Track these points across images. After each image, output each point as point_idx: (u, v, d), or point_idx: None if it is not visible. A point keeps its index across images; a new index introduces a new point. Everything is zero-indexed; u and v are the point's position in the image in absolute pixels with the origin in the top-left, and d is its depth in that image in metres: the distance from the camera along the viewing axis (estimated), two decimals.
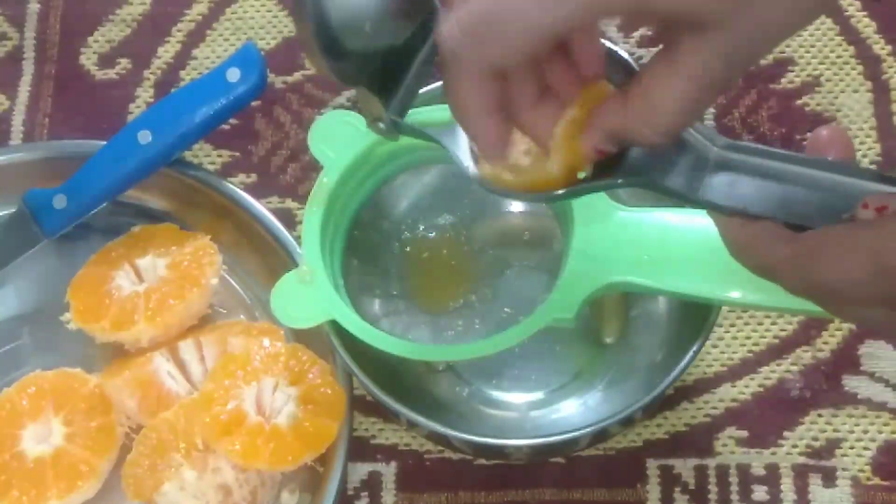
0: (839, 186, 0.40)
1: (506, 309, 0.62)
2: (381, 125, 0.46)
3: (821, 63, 0.70)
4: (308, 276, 0.55)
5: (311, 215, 0.56)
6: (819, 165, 0.41)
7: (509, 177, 0.44)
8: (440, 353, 0.60)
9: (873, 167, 0.67)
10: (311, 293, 0.55)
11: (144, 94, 0.72)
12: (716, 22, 0.37)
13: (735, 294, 0.53)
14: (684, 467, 0.61)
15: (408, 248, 0.63)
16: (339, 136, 0.58)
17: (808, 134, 0.68)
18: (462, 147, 0.46)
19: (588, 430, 0.55)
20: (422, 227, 0.63)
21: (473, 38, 0.38)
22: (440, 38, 0.39)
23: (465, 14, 0.38)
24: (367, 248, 0.62)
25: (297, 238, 0.64)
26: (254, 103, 0.68)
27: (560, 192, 0.43)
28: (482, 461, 0.62)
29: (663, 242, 0.54)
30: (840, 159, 0.41)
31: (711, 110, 0.69)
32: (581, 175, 0.43)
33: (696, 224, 0.53)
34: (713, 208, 0.42)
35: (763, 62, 0.70)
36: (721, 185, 0.42)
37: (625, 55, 0.45)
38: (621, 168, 0.43)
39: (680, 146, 0.42)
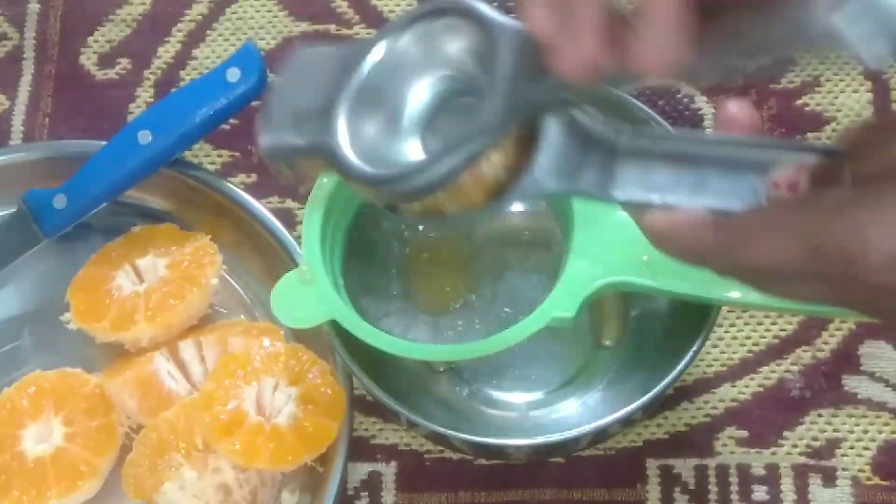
0: (753, 162, 0.39)
1: (506, 309, 0.62)
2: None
3: (821, 63, 0.70)
4: (308, 276, 0.55)
5: (312, 215, 0.56)
6: (730, 142, 0.40)
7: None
8: (440, 352, 0.60)
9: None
10: (311, 293, 0.55)
11: (144, 94, 0.72)
12: None
13: (734, 294, 0.53)
14: (684, 467, 0.61)
15: (408, 249, 0.63)
16: None
17: (809, 134, 0.68)
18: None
19: (588, 429, 0.55)
20: (422, 228, 0.63)
21: None
22: None
23: None
24: (367, 249, 0.62)
25: (297, 238, 0.64)
26: (254, 103, 0.68)
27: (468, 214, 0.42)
28: (482, 461, 0.62)
29: None
30: (750, 135, 0.40)
31: (711, 111, 0.69)
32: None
33: None
34: (629, 204, 0.42)
35: (763, 62, 0.70)
36: (633, 177, 0.41)
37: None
38: (524, 185, 0.41)
39: (586, 143, 0.41)
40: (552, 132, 0.41)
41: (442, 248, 0.63)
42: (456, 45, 0.41)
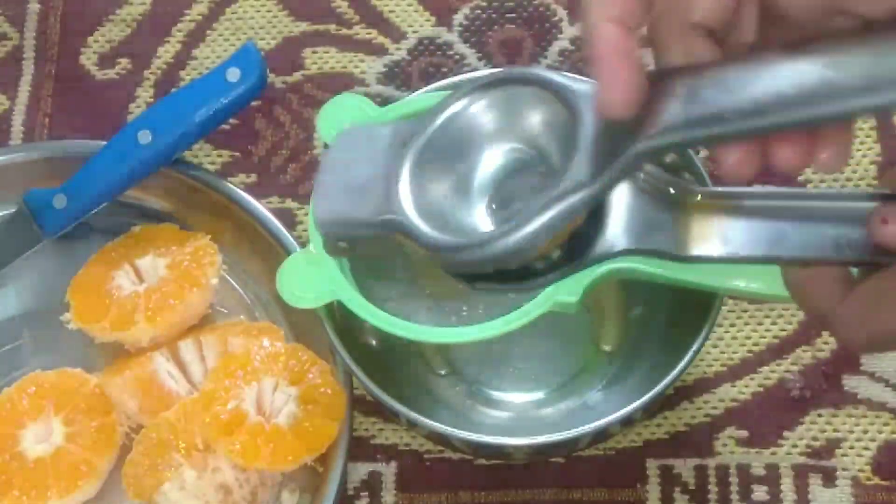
0: (831, 212, 0.39)
1: (510, 295, 0.62)
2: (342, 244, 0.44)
3: None
4: (315, 256, 0.55)
5: None
6: (804, 196, 0.40)
7: None
8: (443, 335, 0.60)
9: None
10: (316, 273, 0.55)
11: (144, 94, 0.72)
12: None
13: (738, 282, 0.52)
14: (684, 467, 0.61)
15: None
16: (349, 120, 0.57)
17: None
18: None
19: (588, 429, 0.55)
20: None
21: None
22: None
23: None
24: None
25: (298, 238, 0.64)
26: (254, 103, 0.68)
27: (539, 281, 0.42)
28: (482, 461, 0.62)
29: None
30: (824, 188, 0.40)
31: None
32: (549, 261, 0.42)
33: None
34: (707, 261, 0.42)
35: None
36: (708, 236, 0.41)
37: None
38: (602, 240, 0.41)
39: (656, 201, 0.41)
40: (621, 192, 0.41)
41: None
42: (530, 115, 0.40)
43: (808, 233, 0.40)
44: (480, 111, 0.41)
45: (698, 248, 0.41)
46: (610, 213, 0.42)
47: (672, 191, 0.42)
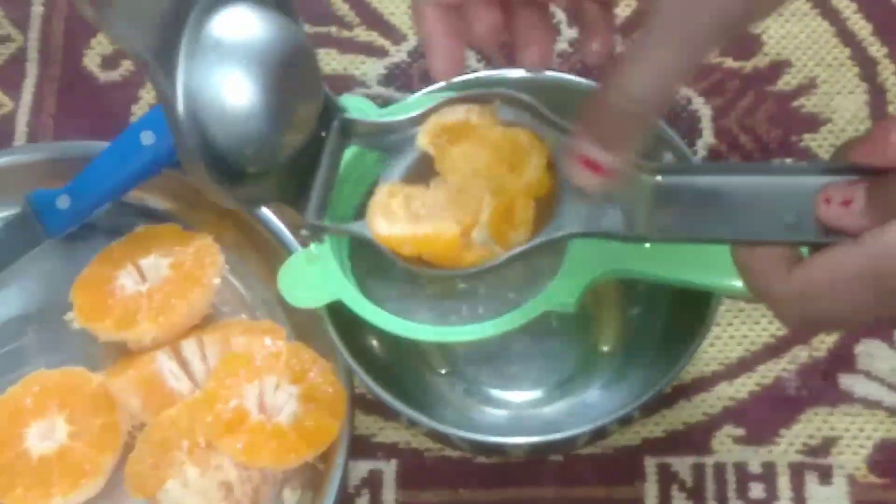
0: (784, 189, 0.40)
1: (509, 295, 0.62)
2: (304, 231, 0.46)
3: (817, 65, 0.71)
4: (316, 255, 0.55)
5: None
6: (759, 170, 0.40)
7: (450, 256, 0.44)
8: (443, 334, 0.60)
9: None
10: (318, 273, 0.55)
11: (147, 95, 0.72)
12: None
13: (735, 282, 0.52)
14: (682, 465, 0.62)
15: None
16: None
17: (805, 135, 0.68)
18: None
19: (586, 428, 0.56)
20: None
21: None
22: None
23: None
24: None
25: (299, 238, 0.64)
26: None
27: (504, 258, 0.44)
28: (482, 459, 0.62)
29: None
30: (779, 162, 0.40)
31: (708, 113, 0.69)
32: (520, 236, 0.44)
33: None
34: (659, 241, 0.42)
35: (760, 64, 0.71)
36: (661, 216, 0.41)
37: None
38: (553, 224, 0.43)
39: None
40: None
41: None
42: None
43: (759, 212, 0.40)
44: None
45: (650, 229, 0.41)
46: (562, 196, 0.42)
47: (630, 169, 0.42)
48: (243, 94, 0.41)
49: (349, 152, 0.49)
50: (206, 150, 0.40)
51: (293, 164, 0.44)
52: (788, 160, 0.65)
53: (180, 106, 0.40)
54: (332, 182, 0.46)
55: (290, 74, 0.43)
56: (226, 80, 0.41)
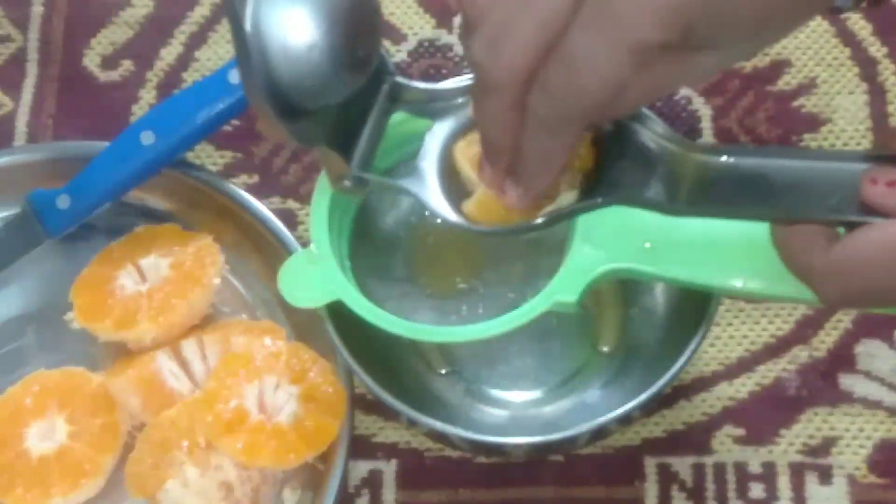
0: (823, 172, 0.40)
1: (510, 294, 0.62)
2: (347, 182, 0.46)
3: (817, 65, 0.71)
4: (316, 255, 0.55)
5: (321, 198, 0.56)
6: (802, 155, 0.41)
7: (497, 213, 0.44)
8: (443, 334, 0.60)
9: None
10: (318, 273, 0.55)
11: (147, 95, 0.72)
12: None
13: (736, 282, 0.53)
14: (682, 465, 0.62)
15: (414, 233, 0.63)
16: None
17: (805, 135, 0.68)
18: (433, 192, 0.47)
19: (586, 428, 0.56)
20: (428, 213, 0.63)
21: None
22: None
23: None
24: (374, 232, 0.62)
25: (299, 238, 0.65)
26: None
27: (541, 220, 0.45)
28: (482, 459, 0.62)
29: (665, 230, 0.53)
30: (818, 149, 0.41)
31: (709, 112, 0.69)
32: (564, 201, 0.44)
33: None
34: (699, 215, 0.42)
35: (760, 64, 0.71)
36: (703, 191, 0.42)
37: None
38: (598, 189, 0.43)
39: (654, 158, 0.42)
40: (621, 145, 0.42)
41: (447, 233, 0.63)
42: None
43: (802, 194, 0.40)
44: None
45: (690, 203, 0.42)
46: (603, 165, 0.43)
47: (670, 146, 0.42)
48: (307, 30, 0.43)
49: (393, 118, 0.50)
50: (269, 84, 0.42)
51: (345, 113, 0.45)
52: None
53: (248, 25, 0.41)
54: (376, 142, 0.47)
55: (353, 18, 0.44)
56: (292, 14, 0.42)
